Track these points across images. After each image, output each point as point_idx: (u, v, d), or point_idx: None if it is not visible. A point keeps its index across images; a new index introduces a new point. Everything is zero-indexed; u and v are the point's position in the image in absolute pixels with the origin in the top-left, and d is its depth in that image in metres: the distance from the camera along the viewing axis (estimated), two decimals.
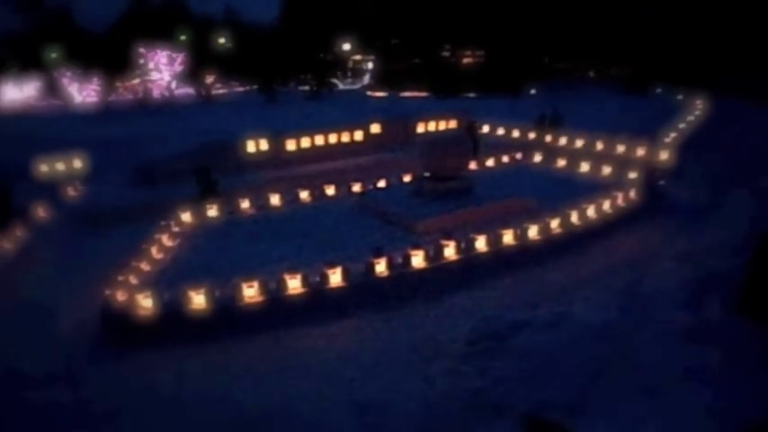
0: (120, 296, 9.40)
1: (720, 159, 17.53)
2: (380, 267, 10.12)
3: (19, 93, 40.03)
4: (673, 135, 19.77)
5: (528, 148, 18.71)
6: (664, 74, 31.89)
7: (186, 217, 13.40)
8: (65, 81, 40.00)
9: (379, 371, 8.00)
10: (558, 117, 19.15)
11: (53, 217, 15.10)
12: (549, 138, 19.03)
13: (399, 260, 10.39)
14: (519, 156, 18.17)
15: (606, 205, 12.99)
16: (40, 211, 15.00)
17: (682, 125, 21.66)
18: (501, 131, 21.38)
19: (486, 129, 21.44)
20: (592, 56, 38.90)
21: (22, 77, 40.79)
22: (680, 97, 27.55)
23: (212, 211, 13.77)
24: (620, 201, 13.38)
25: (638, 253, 11.52)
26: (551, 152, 17.97)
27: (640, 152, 17.77)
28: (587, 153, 17.97)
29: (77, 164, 19.20)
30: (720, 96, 26.11)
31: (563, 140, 19.18)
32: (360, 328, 9.21)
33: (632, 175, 15.10)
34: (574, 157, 17.20)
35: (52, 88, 40.34)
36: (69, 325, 9.58)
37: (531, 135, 19.55)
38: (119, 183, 17.21)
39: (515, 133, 20.90)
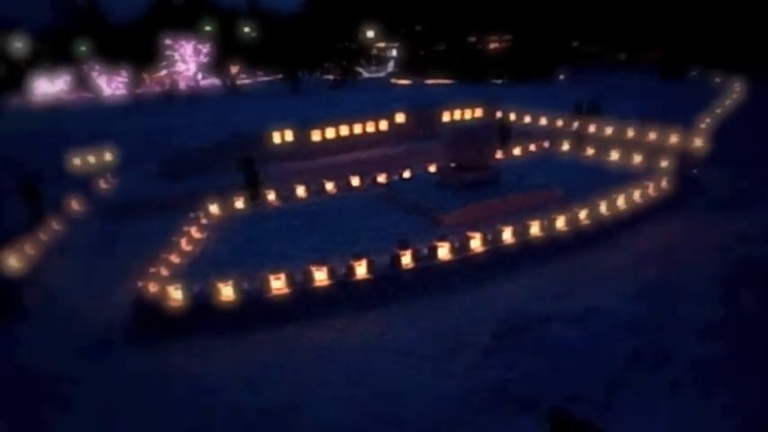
0: (152, 288, 9.61)
1: (759, 146, 16.93)
2: (406, 259, 10.10)
3: (51, 86, 41.13)
4: (708, 121, 19.15)
5: (556, 136, 18.35)
6: (700, 56, 30.83)
7: (214, 209, 13.59)
8: (94, 74, 40.91)
9: (405, 363, 8.01)
10: (596, 105, 18.61)
11: (86, 209, 15.51)
12: (588, 127, 18.48)
13: (425, 252, 10.34)
14: (546, 144, 17.85)
15: (636, 195, 12.68)
16: (74, 204, 15.41)
17: (718, 110, 20.96)
18: (528, 119, 21.03)
19: (512, 117, 21.12)
20: (623, 39, 37.83)
21: (53, 71, 41.87)
22: (717, 81, 26.63)
23: (239, 203, 13.94)
24: (651, 190, 13.04)
25: (669, 244, 11.24)
26: (586, 141, 17.51)
27: (673, 139, 17.28)
28: (618, 141, 17.55)
29: (108, 156, 19.70)
30: (760, 79, 25.16)
31: (592, 128, 18.75)
32: (385, 321, 9.22)
33: (664, 163, 14.69)
34: (604, 145, 16.82)
35: (82, 81, 41.31)
36: (102, 316, 9.84)
37: (574, 124, 18.92)
38: (148, 175, 17.57)
39: (543, 121, 20.55)
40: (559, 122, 19.90)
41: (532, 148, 17.69)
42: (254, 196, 14.27)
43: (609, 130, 18.51)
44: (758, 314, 8.28)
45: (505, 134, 17.96)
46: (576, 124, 18.56)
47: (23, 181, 14.45)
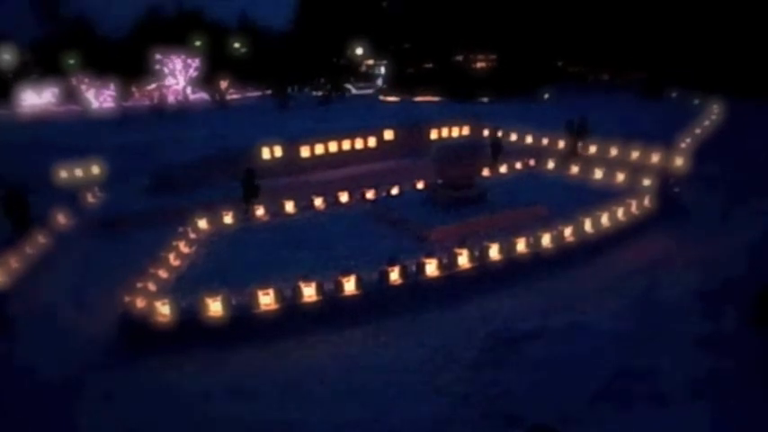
0: (139, 303, 9.59)
1: (737, 165, 17.37)
2: (394, 275, 10.21)
3: (38, 98, 40.89)
4: (688, 140, 19.63)
5: (542, 154, 18.66)
6: (679, 77, 31.62)
7: (203, 224, 13.60)
8: (82, 87, 40.74)
9: (392, 379, 8.07)
10: (585, 124, 19.00)
11: (73, 223, 15.39)
12: (579, 146, 18.82)
13: (413, 268, 10.45)
14: (532, 162, 18.15)
15: (620, 213, 12.95)
16: (61, 218, 15.30)
17: (697, 130, 21.49)
18: (514, 137, 21.34)
19: (498, 134, 21.44)
20: (606, 59, 38.68)
21: (41, 83, 41.67)
22: (696, 101, 27.32)
23: (228, 218, 13.97)
24: (633, 208, 13.33)
25: (653, 261, 11.47)
26: (580, 159, 17.80)
27: (655, 158, 17.68)
28: (602, 159, 17.90)
29: (95, 170, 19.59)
30: (738, 100, 25.84)
31: (583, 147, 19.07)
32: (373, 336, 9.28)
33: (646, 181, 15.02)
34: (588, 163, 17.15)
35: (70, 94, 41.13)
36: (88, 331, 9.78)
37: (566, 142, 19.23)
38: (136, 189, 17.51)
39: (529, 139, 20.89)
40: (545, 141, 20.25)
41: (518, 165, 17.97)
42: (252, 209, 14.34)
43: (593, 149, 18.89)
44: (742, 330, 8.45)
45: (496, 150, 18.25)
46: (568, 143, 18.89)
47: (7, 193, 14.32)
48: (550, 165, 17.70)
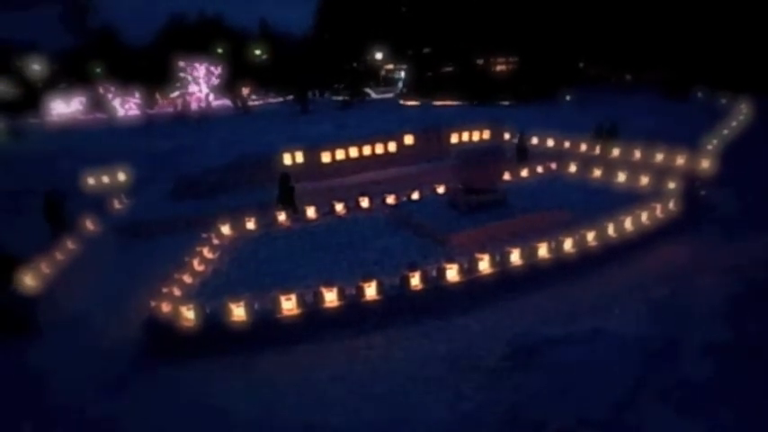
0: (164, 307, 9.76)
1: (765, 167, 16.98)
2: (415, 281, 10.19)
3: (66, 107, 42.05)
4: (715, 142, 19.24)
5: (564, 157, 18.50)
6: (705, 77, 31.01)
7: (226, 229, 13.79)
8: (108, 95, 41.78)
9: (414, 385, 8.06)
10: (614, 128, 18.79)
11: (100, 229, 15.76)
12: (609, 150, 18.64)
13: (434, 273, 10.44)
14: (554, 166, 17.98)
15: (644, 217, 12.74)
16: (89, 224, 15.68)
17: (725, 131, 21.06)
18: (535, 140, 21.18)
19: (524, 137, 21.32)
20: (628, 60, 38.14)
21: (69, 93, 42.84)
22: (723, 101, 26.77)
23: (251, 224, 14.14)
24: (658, 212, 13.10)
25: (678, 266, 11.26)
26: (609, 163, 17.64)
27: (680, 160, 17.36)
28: (625, 162, 17.65)
29: (122, 177, 20.07)
30: (766, 100, 25.24)
31: (610, 151, 18.86)
32: (394, 342, 9.29)
33: (672, 184, 14.76)
34: (611, 166, 16.93)
35: (96, 102, 42.21)
36: (115, 335, 9.98)
37: (596, 147, 19.03)
38: (161, 195, 17.86)
39: (550, 142, 20.71)
40: (567, 144, 20.05)
41: (540, 169, 17.82)
42: (292, 210, 14.76)
43: (616, 152, 18.65)
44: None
45: (522, 153, 18.12)
46: (597, 147, 18.71)
47: (46, 199, 14.74)
48: (573, 168, 17.50)
